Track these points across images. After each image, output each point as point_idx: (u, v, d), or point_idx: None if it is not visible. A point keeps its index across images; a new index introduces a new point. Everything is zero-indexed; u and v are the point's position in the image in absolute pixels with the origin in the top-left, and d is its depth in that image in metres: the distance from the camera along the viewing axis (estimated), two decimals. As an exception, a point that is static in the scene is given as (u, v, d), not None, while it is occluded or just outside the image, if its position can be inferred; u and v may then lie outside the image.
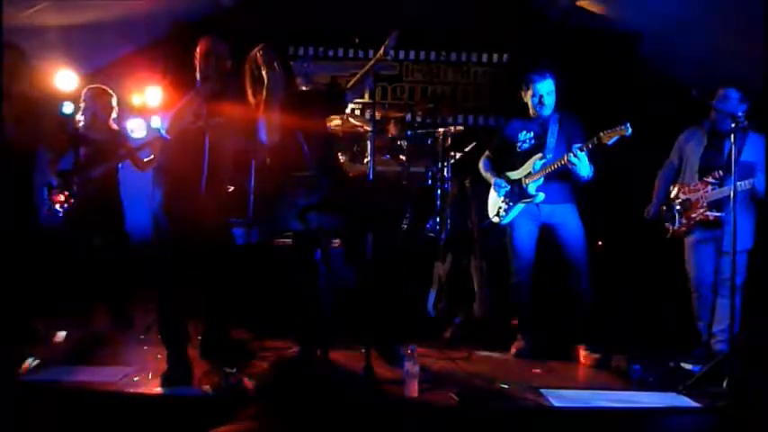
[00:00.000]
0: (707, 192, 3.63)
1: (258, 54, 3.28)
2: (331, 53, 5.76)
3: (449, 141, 4.84)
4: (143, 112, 5.40)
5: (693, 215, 3.67)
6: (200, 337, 3.49)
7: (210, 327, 3.49)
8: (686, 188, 3.75)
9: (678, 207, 3.75)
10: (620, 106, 4.36)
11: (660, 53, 4.77)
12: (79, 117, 4.40)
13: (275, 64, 3.26)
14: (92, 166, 4.27)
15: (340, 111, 4.37)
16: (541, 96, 3.83)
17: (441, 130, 4.83)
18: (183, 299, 3.30)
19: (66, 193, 4.16)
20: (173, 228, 3.24)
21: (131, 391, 2.85)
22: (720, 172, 3.56)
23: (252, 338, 3.90)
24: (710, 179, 3.61)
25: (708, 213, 3.61)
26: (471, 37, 5.67)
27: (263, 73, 3.23)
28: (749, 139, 3.49)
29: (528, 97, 3.90)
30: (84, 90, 4.43)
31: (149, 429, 2.59)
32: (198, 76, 3.37)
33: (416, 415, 2.78)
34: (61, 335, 3.77)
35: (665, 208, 3.86)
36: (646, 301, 4.39)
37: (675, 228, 3.78)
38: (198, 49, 3.38)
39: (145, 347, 3.69)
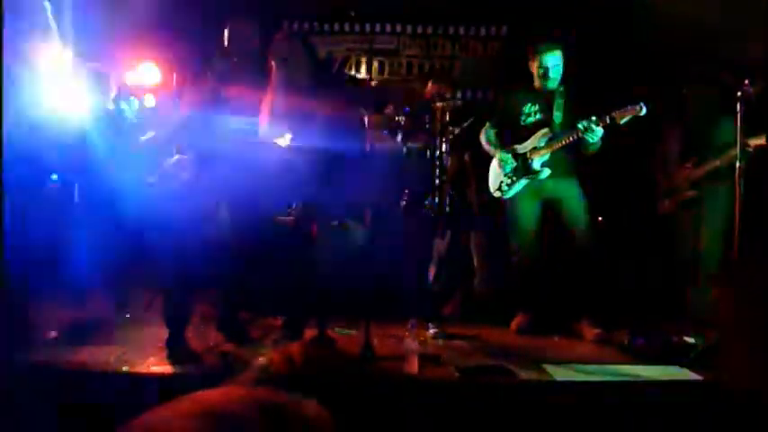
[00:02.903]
0: (687, 173, 3.86)
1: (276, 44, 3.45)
2: (327, 27, 5.65)
3: (447, 117, 4.76)
4: (136, 91, 5.32)
5: (678, 196, 3.91)
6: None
7: (228, 303, 3.50)
8: (674, 171, 3.95)
9: (668, 188, 3.98)
10: (627, 78, 4.29)
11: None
12: None
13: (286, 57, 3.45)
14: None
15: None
16: (547, 69, 3.71)
17: (439, 104, 4.75)
18: (192, 281, 3.29)
19: None
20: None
21: (127, 370, 2.83)
22: (696, 156, 3.82)
23: (251, 317, 3.87)
24: (689, 163, 3.84)
25: (687, 193, 3.85)
26: (470, 9, 5.56)
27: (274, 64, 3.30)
28: (720, 122, 3.74)
29: (534, 68, 3.80)
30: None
31: (145, 408, 2.56)
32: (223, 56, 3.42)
33: (417, 391, 2.76)
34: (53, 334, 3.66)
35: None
36: (647, 276, 4.35)
37: (665, 208, 4.02)
38: (227, 30, 3.41)
39: (141, 327, 3.66)
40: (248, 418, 0.60)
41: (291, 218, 4.25)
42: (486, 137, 4.05)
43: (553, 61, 3.71)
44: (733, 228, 3.52)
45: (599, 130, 3.50)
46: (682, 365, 3.03)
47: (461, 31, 5.70)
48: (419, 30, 5.71)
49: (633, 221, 4.40)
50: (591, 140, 3.53)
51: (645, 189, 4.21)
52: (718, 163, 3.68)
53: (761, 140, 3.39)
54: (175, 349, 3.08)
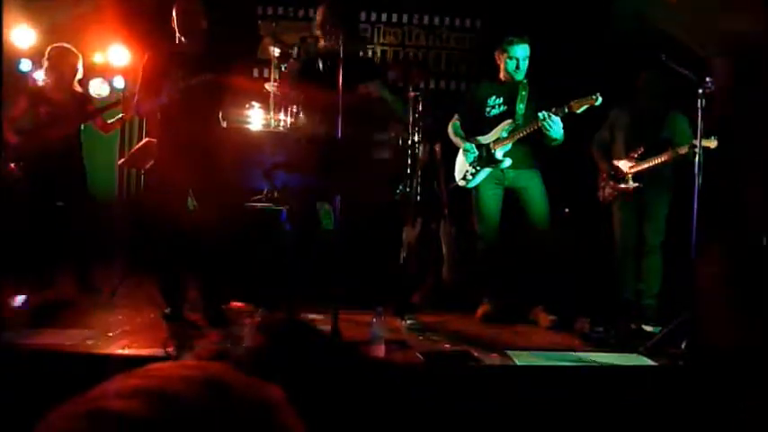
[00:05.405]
0: (632, 165, 3.84)
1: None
2: (301, 13, 5.62)
3: (420, 107, 4.79)
4: (105, 72, 5.24)
5: (621, 186, 3.88)
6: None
7: (208, 289, 3.51)
8: (618, 161, 3.94)
9: (610, 177, 3.96)
10: (593, 71, 4.37)
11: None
12: (41, 75, 4.24)
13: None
14: (52, 127, 4.14)
15: None
16: (518, 60, 3.80)
17: (411, 93, 4.77)
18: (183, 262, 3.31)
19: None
20: (171, 191, 3.31)
21: (95, 352, 2.82)
22: (642, 148, 3.81)
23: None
24: (634, 154, 3.84)
25: (632, 185, 3.83)
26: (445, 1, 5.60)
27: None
28: (670, 118, 3.84)
29: (503, 60, 3.86)
30: (49, 49, 4.24)
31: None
32: (176, 36, 3.35)
33: (383, 375, 2.81)
34: (20, 299, 3.65)
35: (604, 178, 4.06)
36: (611, 266, 4.46)
37: (605, 195, 4.01)
38: (174, 9, 3.33)
39: (109, 310, 3.64)
40: (195, 399, 0.58)
41: (262, 204, 4.26)
42: (452, 128, 4.12)
43: (523, 53, 3.79)
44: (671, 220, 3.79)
45: (557, 120, 3.60)
46: (639, 353, 3.14)
47: (436, 21, 5.73)
48: (394, 18, 5.72)
49: (594, 211, 4.48)
50: (550, 130, 3.62)
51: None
52: (666, 157, 3.71)
53: (710, 143, 3.39)
54: (175, 325, 3.12)
